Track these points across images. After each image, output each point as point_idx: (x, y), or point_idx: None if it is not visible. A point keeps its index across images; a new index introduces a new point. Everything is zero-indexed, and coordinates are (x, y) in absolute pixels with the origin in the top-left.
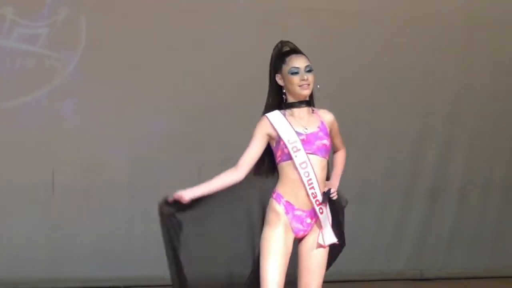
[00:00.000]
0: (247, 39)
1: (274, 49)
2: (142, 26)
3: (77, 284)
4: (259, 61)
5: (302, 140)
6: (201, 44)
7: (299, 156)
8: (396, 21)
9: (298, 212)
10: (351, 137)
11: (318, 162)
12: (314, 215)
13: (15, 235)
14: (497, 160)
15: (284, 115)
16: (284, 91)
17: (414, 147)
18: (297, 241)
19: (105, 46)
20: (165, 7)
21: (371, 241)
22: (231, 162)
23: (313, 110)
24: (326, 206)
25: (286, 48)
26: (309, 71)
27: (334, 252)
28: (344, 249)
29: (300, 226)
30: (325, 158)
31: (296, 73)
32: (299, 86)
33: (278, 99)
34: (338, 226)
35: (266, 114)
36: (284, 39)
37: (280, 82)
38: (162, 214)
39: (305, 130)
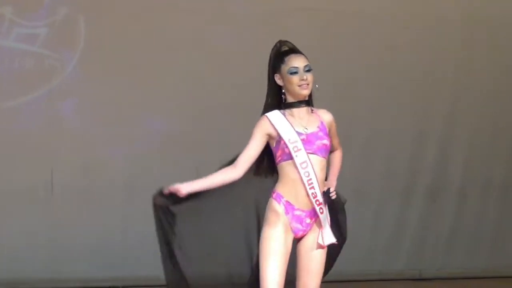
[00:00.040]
0: (247, 39)
1: (272, 49)
2: (141, 26)
3: (76, 284)
4: (259, 61)
5: (303, 140)
6: (200, 44)
7: (300, 155)
8: (396, 21)
9: (297, 212)
10: (350, 137)
11: (318, 162)
12: (313, 215)
13: (14, 235)
14: (496, 160)
15: (284, 115)
16: (283, 91)
17: (414, 147)
18: (296, 241)
19: (104, 46)
20: (165, 6)
21: (370, 241)
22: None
23: (312, 110)
24: (325, 206)
25: (285, 48)
26: (308, 70)
27: (334, 253)
28: (343, 249)
29: (300, 226)
30: (324, 158)
31: (296, 73)
32: (299, 86)
33: (277, 99)
34: (337, 225)
35: (266, 114)
36: (284, 39)
37: (279, 82)
38: (155, 205)
39: (305, 130)
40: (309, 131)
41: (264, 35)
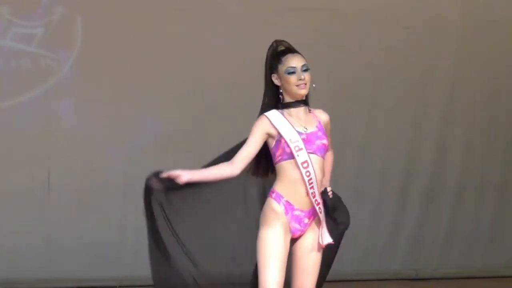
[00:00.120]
0: (247, 39)
1: (269, 48)
2: (138, 26)
3: (72, 284)
4: (259, 61)
5: (303, 140)
6: (199, 44)
7: (301, 155)
8: (394, 21)
9: (297, 212)
10: (347, 136)
11: (317, 162)
12: (311, 215)
13: (11, 235)
14: (493, 161)
15: (282, 114)
16: (280, 91)
17: (411, 147)
18: (292, 241)
19: (100, 45)
20: (162, 6)
21: (366, 241)
22: None
23: (310, 110)
24: (324, 205)
25: (281, 48)
26: (306, 70)
27: (331, 252)
28: (340, 249)
29: (298, 226)
30: (323, 158)
31: (293, 72)
32: (296, 86)
33: (274, 99)
34: (334, 225)
35: (265, 113)
36: (284, 38)
37: (276, 82)
38: (151, 189)
39: (305, 130)
40: (309, 130)
41: (263, 35)
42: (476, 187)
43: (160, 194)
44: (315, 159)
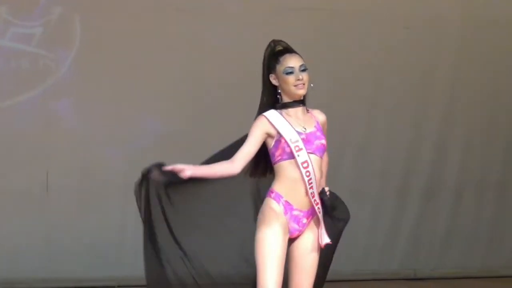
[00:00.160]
0: (247, 39)
1: (266, 48)
2: (137, 25)
3: (72, 284)
4: (259, 61)
5: (303, 140)
6: (199, 44)
7: (302, 155)
8: (394, 21)
9: (296, 212)
10: (347, 136)
11: (316, 162)
12: (310, 215)
13: (11, 235)
14: (492, 161)
15: (281, 114)
16: (278, 91)
17: (410, 147)
18: (290, 241)
19: (99, 45)
20: (162, 6)
21: (365, 240)
22: None
23: (307, 110)
24: (322, 205)
25: (279, 48)
26: (304, 70)
27: (329, 252)
28: (338, 249)
29: (296, 226)
30: (321, 158)
31: (291, 73)
32: (295, 86)
33: (272, 99)
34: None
35: (264, 113)
36: (284, 38)
37: (274, 82)
38: (150, 180)
39: (304, 130)
40: (308, 131)
41: (263, 35)
42: (476, 187)
43: (160, 187)
44: (314, 159)
